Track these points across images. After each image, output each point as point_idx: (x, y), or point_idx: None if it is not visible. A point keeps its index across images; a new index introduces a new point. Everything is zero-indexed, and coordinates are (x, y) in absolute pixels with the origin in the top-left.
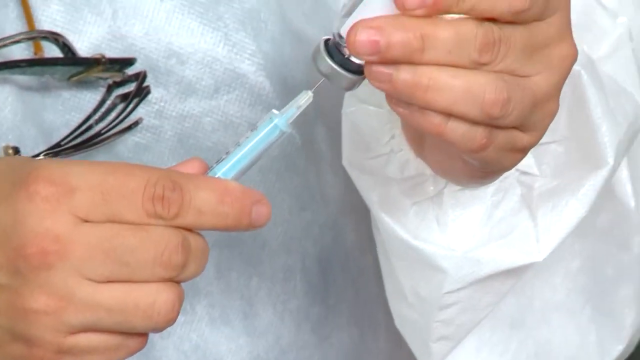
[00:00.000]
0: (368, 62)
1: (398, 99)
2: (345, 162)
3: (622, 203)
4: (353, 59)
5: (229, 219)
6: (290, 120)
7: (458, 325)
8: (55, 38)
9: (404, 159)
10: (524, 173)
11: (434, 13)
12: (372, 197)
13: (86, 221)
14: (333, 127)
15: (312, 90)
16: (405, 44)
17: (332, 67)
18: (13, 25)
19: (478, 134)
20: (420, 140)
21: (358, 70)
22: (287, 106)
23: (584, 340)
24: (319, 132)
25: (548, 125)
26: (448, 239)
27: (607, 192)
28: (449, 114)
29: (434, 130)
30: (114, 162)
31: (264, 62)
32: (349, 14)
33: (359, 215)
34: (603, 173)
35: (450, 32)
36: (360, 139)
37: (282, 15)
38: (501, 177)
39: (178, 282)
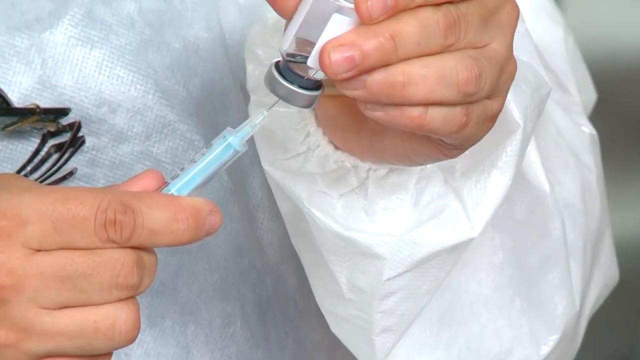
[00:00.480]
0: (344, 79)
1: (373, 103)
2: (265, 165)
3: (536, 188)
4: (313, 75)
5: (184, 236)
6: (245, 140)
7: (400, 315)
8: None
9: (323, 154)
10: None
11: (395, 13)
12: (298, 193)
13: (40, 251)
14: None
15: (267, 110)
16: (379, 49)
17: (290, 89)
18: None
19: (457, 115)
20: (344, 133)
21: (316, 87)
22: (242, 125)
23: (516, 332)
24: (255, 178)
25: (509, 87)
26: (379, 227)
27: (520, 182)
28: (427, 104)
29: (415, 124)
30: (64, 189)
31: (195, 108)
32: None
33: (299, 259)
34: (517, 137)
35: (415, 25)
36: (275, 141)
37: (213, 60)
38: (420, 167)
39: (133, 298)
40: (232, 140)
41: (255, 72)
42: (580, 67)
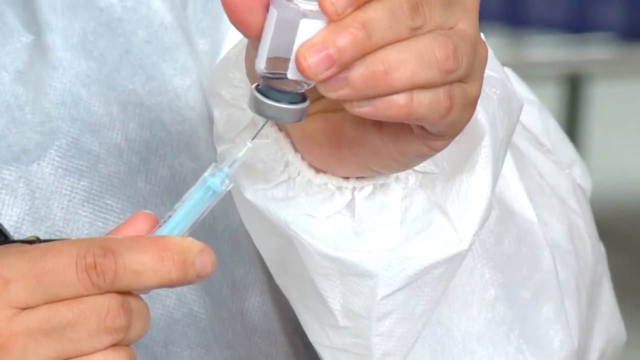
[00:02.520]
0: (327, 78)
1: (359, 99)
2: (246, 194)
3: (523, 218)
4: (295, 87)
5: (172, 274)
6: (232, 172)
7: (398, 337)
8: None
9: (305, 181)
10: (425, 174)
11: (359, 5)
12: (284, 218)
13: (25, 309)
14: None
15: (251, 140)
16: (352, 40)
17: (278, 107)
18: None
19: (442, 98)
20: (325, 150)
21: (302, 99)
22: (227, 161)
23: None
24: (253, 299)
25: (484, 71)
26: (368, 246)
27: (506, 214)
28: (412, 89)
29: (404, 112)
30: (43, 245)
31: None
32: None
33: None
34: (486, 142)
35: (381, 10)
36: (255, 173)
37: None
38: (403, 184)
39: (127, 345)
40: (210, 183)
41: (223, 116)
42: (569, 150)
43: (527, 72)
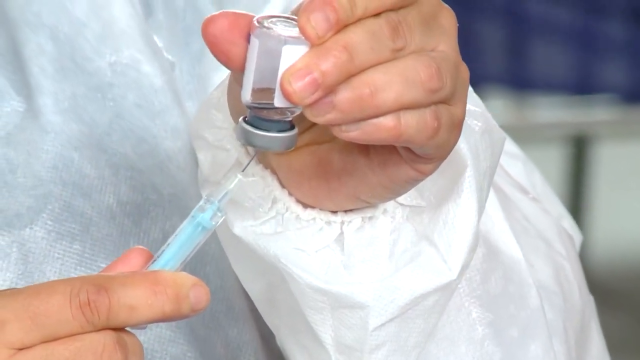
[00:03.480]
0: (312, 103)
1: (347, 123)
2: (236, 231)
3: (508, 257)
4: (282, 116)
5: (165, 308)
6: (222, 205)
7: None
8: None
9: (294, 216)
10: (412, 207)
11: (340, 28)
12: (273, 251)
13: (22, 349)
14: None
15: (241, 172)
16: (335, 62)
17: (268, 137)
18: None
19: (428, 118)
20: (313, 183)
21: (291, 127)
22: (217, 193)
23: None
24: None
25: (467, 93)
26: (358, 278)
27: (492, 252)
28: (398, 110)
29: (392, 134)
30: (36, 285)
31: None
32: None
33: None
34: (469, 172)
35: (362, 32)
36: (243, 211)
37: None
38: (391, 217)
39: None
40: (200, 219)
41: (208, 158)
42: (556, 204)
43: (532, 134)
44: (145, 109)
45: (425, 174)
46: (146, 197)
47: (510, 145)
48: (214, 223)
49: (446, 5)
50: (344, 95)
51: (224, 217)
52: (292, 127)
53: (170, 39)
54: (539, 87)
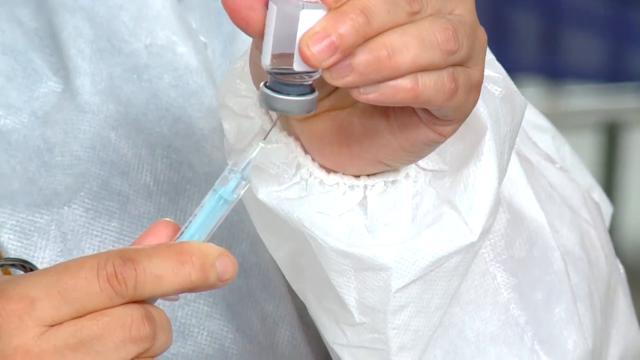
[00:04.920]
0: (330, 65)
1: (365, 85)
2: (261, 196)
3: (532, 220)
4: (302, 80)
5: (192, 276)
6: (247, 173)
7: (414, 331)
8: (22, 265)
9: (318, 181)
10: (434, 172)
11: None
12: (297, 216)
13: (52, 325)
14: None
15: (263, 140)
16: (353, 25)
17: (288, 100)
18: None
19: (446, 79)
20: (335, 148)
21: (311, 90)
22: (239, 164)
23: None
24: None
25: (484, 56)
26: (381, 241)
27: (517, 217)
28: (416, 71)
29: (410, 95)
30: (64, 262)
31: None
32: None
33: None
34: (489, 136)
35: None
36: (268, 177)
37: (229, 225)
38: (413, 181)
39: (153, 357)
40: (222, 192)
41: (233, 127)
42: (586, 176)
43: (565, 121)
44: (180, 89)
45: (445, 136)
46: (182, 176)
47: (540, 119)
48: (235, 196)
49: None
50: (361, 58)
51: (247, 186)
52: (312, 91)
53: (202, 20)
54: (572, 75)
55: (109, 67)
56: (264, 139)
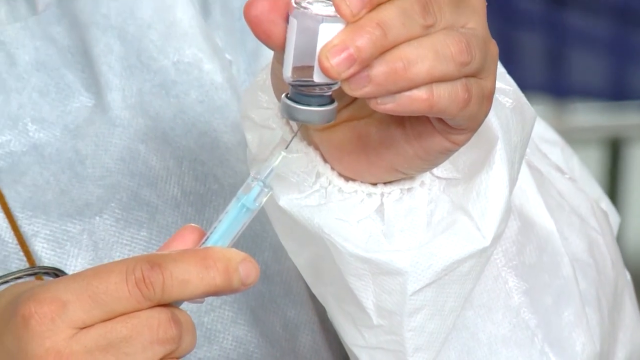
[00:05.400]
0: (349, 77)
1: (382, 95)
2: (282, 203)
3: (542, 227)
4: (321, 91)
5: (217, 280)
6: (269, 181)
7: (429, 333)
8: (55, 273)
9: (336, 189)
10: (448, 180)
11: (373, 6)
12: (317, 222)
13: (83, 328)
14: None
15: (285, 148)
16: (370, 38)
17: (310, 111)
18: (14, 263)
19: (459, 90)
20: (353, 157)
21: (330, 100)
22: (262, 172)
23: None
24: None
25: (496, 68)
26: (397, 246)
27: (527, 224)
28: (431, 82)
29: (426, 105)
30: (94, 267)
31: None
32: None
33: None
34: (499, 146)
35: (394, 9)
36: (289, 185)
37: (253, 235)
38: (429, 189)
39: (178, 358)
40: (244, 201)
41: (255, 138)
42: (594, 187)
43: (571, 137)
44: (206, 104)
45: (458, 145)
46: (208, 187)
47: (549, 132)
48: (257, 204)
49: None
50: (378, 69)
51: (270, 193)
52: (332, 102)
53: (227, 38)
54: (577, 93)
55: (138, 83)
56: (286, 148)
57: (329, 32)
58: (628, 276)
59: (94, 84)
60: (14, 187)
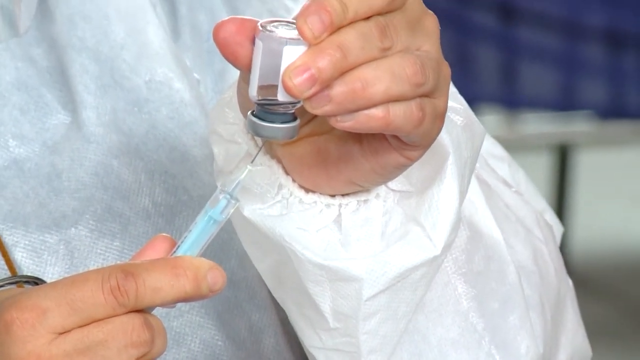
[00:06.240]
0: (310, 96)
1: (342, 113)
2: (246, 213)
3: (489, 237)
4: (285, 109)
5: (187, 288)
6: (235, 193)
7: (382, 336)
8: (35, 282)
9: (297, 200)
10: (402, 192)
11: (334, 30)
12: (279, 231)
13: (62, 333)
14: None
15: (251, 162)
16: (330, 60)
17: (274, 127)
18: None
19: (414, 109)
20: (313, 170)
21: (293, 118)
22: (229, 185)
23: None
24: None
25: (448, 88)
26: (353, 254)
27: (475, 235)
28: (387, 102)
29: (382, 122)
30: (71, 276)
31: None
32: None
33: None
34: (451, 160)
35: (354, 33)
36: (253, 196)
37: (221, 243)
38: (383, 201)
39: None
40: (211, 213)
41: (221, 151)
42: (539, 200)
43: (522, 144)
44: (176, 120)
45: (412, 160)
46: (178, 199)
47: (497, 148)
48: (224, 216)
49: (430, 11)
50: (338, 89)
51: (237, 205)
52: (294, 119)
53: (195, 59)
54: (527, 104)
55: (112, 101)
56: (252, 162)
57: (292, 54)
58: (570, 283)
59: (71, 102)
60: None
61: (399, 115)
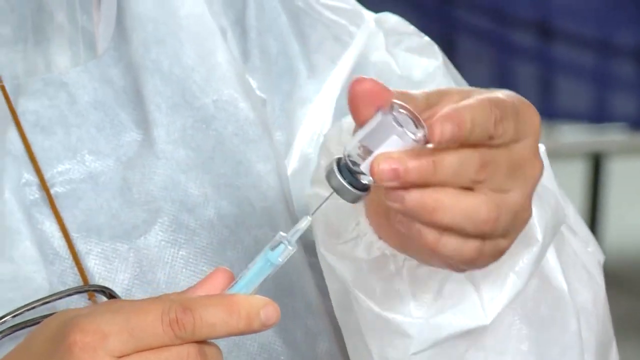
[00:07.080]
0: (388, 187)
1: (406, 217)
2: (320, 249)
3: (557, 289)
4: (362, 178)
5: (240, 325)
6: (294, 239)
7: None
8: (102, 290)
9: (369, 242)
10: None
11: (457, 144)
12: (346, 276)
13: (121, 357)
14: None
15: (312, 214)
16: (419, 168)
17: (342, 184)
18: (70, 277)
19: (470, 249)
20: (386, 221)
21: (364, 188)
22: (290, 233)
23: None
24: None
25: (521, 230)
26: (410, 309)
27: (544, 284)
28: (444, 230)
29: (428, 246)
30: (132, 302)
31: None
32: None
33: None
34: (534, 249)
35: (456, 157)
36: (330, 226)
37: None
38: None
39: None
40: (270, 256)
41: (326, 165)
42: (585, 230)
43: (558, 152)
44: (241, 137)
45: (458, 272)
46: (242, 210)
47: (550, 183)
48: (280, 260)
49: (540, 160)
50: (413, 196)
51: (294, 251)
52: (365, 189)
53: (264, 79)
54: (563, 116)
55: (182, 119)
56: (312, 214)
57: (395, 144)
58: (611, 331)
59: (143, 120)
60: (71, 211)
61: (449, 248)
